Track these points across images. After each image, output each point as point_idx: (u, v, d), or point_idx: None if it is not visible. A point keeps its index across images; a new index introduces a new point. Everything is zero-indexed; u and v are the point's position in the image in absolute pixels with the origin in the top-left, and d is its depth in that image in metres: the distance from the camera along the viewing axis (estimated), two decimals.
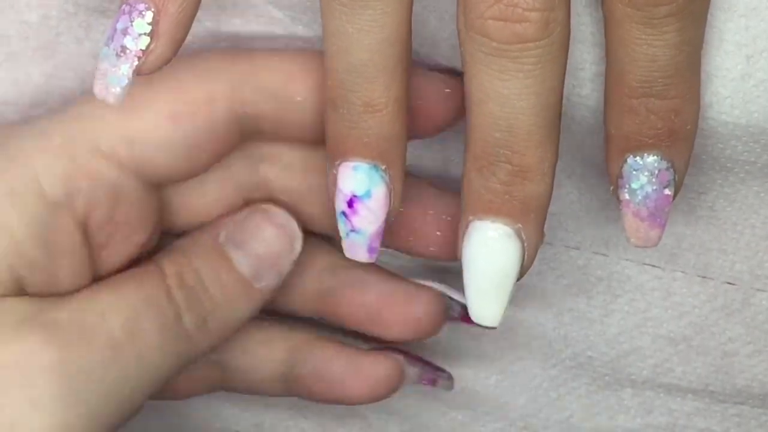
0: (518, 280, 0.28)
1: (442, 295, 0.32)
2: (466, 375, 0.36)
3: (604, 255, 0.34)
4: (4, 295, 0.28)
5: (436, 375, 0.34)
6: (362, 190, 0.27)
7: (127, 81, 0.26)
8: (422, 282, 0.33)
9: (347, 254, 0.28)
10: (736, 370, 0.34)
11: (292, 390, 0.33)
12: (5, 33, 0.31)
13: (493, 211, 0.27)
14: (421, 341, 0.33)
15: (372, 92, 0.26)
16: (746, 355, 0.34)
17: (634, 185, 0.28)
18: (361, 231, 0.27)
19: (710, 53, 0.28)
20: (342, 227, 0.28)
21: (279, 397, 0.37)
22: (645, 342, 0.35)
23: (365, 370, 0.32)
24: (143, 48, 0.25)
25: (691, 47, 0.27)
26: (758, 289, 0.33)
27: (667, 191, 0.28)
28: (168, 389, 0.30)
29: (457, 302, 0.32)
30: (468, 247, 0.27)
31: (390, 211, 0.27)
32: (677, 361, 0.35)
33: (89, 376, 0.27)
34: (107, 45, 0.26)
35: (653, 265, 0.34)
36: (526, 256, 0.27)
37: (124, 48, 0.25)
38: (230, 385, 0.33)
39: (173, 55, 0.26)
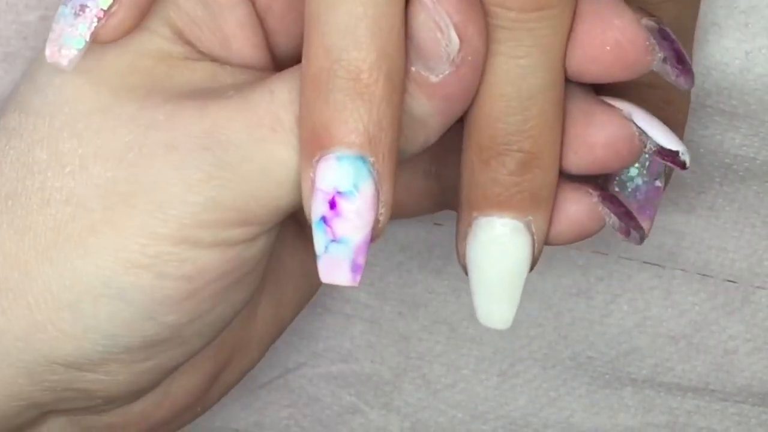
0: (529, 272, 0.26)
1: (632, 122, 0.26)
2: (466, 375, 0.36)
3: (603, 254, 0.34)
4: (178, 57, 0.25)
5: (630, 224, 0.27)
6: (347, 184, 0.22)
7: (84, 43, 0.23)
8: (612, 101, 0.26)
9: (323, 277, 0.23)
10: (736, 368, 0.34)
11: None
12: (4, 33, 0.31)
13: (502, 205, 0.24)
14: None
15: (362, 62, 0.22)
16: (746, 353, 0.34)
17: (623, 177, 0.27)
18: (345, 240, 0.23)
19: (710, 48, 0.29)
20: (320, 240, 0.23)
21: (278, 397, 0.37)
22: (645, 341, 0.35)
23: (561, 208, 0.26)
24: (104, 8, 0.23)
25: None
26: (758, 287, 0.34)
27: (657, 183, 0.27)
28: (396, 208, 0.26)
29: (648, 136, 0.26)
30: (473, 245, 0.25)
31: (376, 219, 0.23)
32: (677, 359, 0.35)
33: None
34: (65, 4, 0.23)
35: (653, 264, 0.34)
36: (536, 248, 0.25)
37: (83, 6, 0.23)
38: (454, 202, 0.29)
39: (137, 23, 0.23)
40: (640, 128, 0.25)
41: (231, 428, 0.37)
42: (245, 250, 0.24)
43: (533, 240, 0.25)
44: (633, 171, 0.27)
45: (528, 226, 0.25)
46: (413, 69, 0.23)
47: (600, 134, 0.25)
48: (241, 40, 0.26)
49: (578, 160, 0.25)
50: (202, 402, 0.30)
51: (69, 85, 0.25)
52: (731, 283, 0.34)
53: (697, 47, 0.29)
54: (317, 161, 0.23)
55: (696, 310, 0.34)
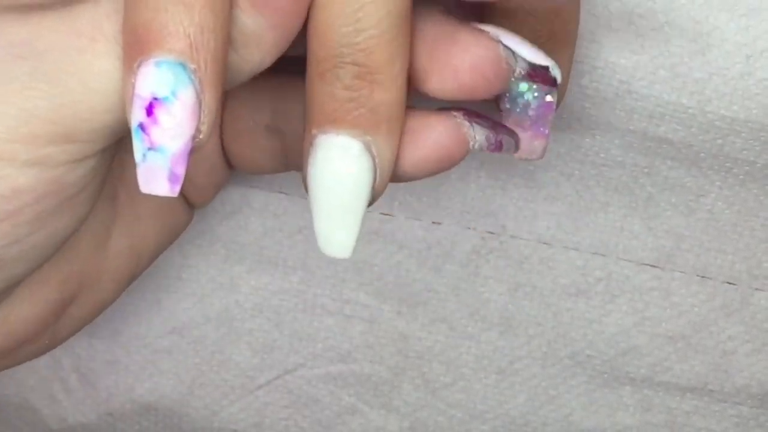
0: (371, 203, 0.25)
1: (502, 44, 0.25)
2: (465, 373, 0.36)
3: (602, 255, 0.34)
4: None
5: (502, 136, 0.26)
6: (165, 90, 0.22)
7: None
8: (479, 25, 0.25)
9: (142, 187, 0.22)
10: (734, 368, 0.34)
11: None
12: None
13: (337, 122, 0.23)
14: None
15: None
16: (745, 354, 0.34)
17: (513, 92, 0.26)
18: (162, 148, 0.22)
19: (711, 52, 0.28)
20: (138, 147, 0.22)
21: (277, 397, 0.37)
22: (643, 340, 0.35)
23: (422, 132, 0.25)
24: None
25: None
26: (757, 289, 0.34)
27: (548, 98, 0.26)
28: (240, 162, 0.26)
29: (522, 58, 0.25)
30: (312, 165, 0.24)
31: (197, 129, 0.22)
32: (676, 359, 0.35)
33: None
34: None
35: (652, 266, 0.34)
36: (378, 175, 0.24)
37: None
38: (296, 163, 0.29)
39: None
40: (508, 49, 0.24)
41: (230, 429, 0.37)
42: (69, 172, 0.24)
43: (374, 163, 0.24)
44: (523, 86, 0.26)
45: (368, 147, 0.24)
46: None
47: (465, 56, 0.24)
48: None
49: (443, 84, 0.24)
50: (50, 335, 0.28)
51: None
52: (730, 285, 0.34)
53: (698, 52, 0.29)
54: (137, 66, 0.22)
55: (695, 311, 0.34)
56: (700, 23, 0.28)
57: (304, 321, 0.36)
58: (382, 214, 0.34)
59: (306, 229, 0.35)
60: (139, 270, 0.31)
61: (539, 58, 0.24)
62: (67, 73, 0.22)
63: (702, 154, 0.30)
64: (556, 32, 0.25)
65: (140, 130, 0.22)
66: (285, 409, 0.37)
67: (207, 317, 0.36)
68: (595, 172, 0.32)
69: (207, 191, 0.32)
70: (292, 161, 0.29)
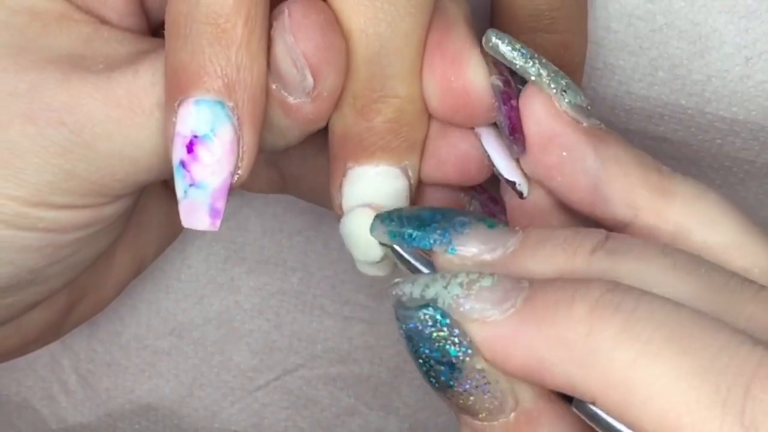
0: None
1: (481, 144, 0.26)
2: None
3: None
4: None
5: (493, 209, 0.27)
6: (205, 128, 0.22)
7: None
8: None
9: (184, 222, 0.23)
10: None
11: None
12: None
13: (377, 154, 0.24)
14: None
15: (219, 8, 0.22)
16: None
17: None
18: (202, 184, 0.23)
19: (710, 55, 0.28)
20: (179, 183, 0.23)
21: (277, 398, 0.37)
22: None
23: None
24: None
25: None
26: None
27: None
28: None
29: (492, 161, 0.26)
30: (349, 197, 0.24)
31: (236, 165, 0.23)
32: None
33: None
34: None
35: None
36: (412, 188, 0.25)
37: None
38: (292, 192, 0.30)
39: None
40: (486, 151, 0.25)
41: (230, 430, 0.37)
42: (103, 211, 0.25)
43: (410, 183, 0.25)
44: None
45: (404, 172, 0.25)
46: (273, 86, 0.23)
47: (451, 150, 0.25)
48: None
49: (428, 171, 0.25)
50: (53, 332, 0.30)
51: None
52: None
53: (697, 54, 0.29)
54: (178, 105, 0.23)
55: None
56: (699, 25, 0.28)
57: (303, 322, 0.36)
58: None
59: (306, 230, 0.35)
60: (139, 272, 0.32)
61: (510, 173, 0.25)
62: (104, 142, 0.23)
63: (701, 154, 0.31)
64: (564, 65, 0.26)
65: (181, 167, 0.23)
66: (284, 410, 0.37)
67: (207, 318, 0.36)
68: None
69: None
70: (291, 190, 0.30)
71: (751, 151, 0.30)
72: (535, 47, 0.25)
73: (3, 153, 0.23)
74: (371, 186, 0.24)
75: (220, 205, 0.23)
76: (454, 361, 0.21)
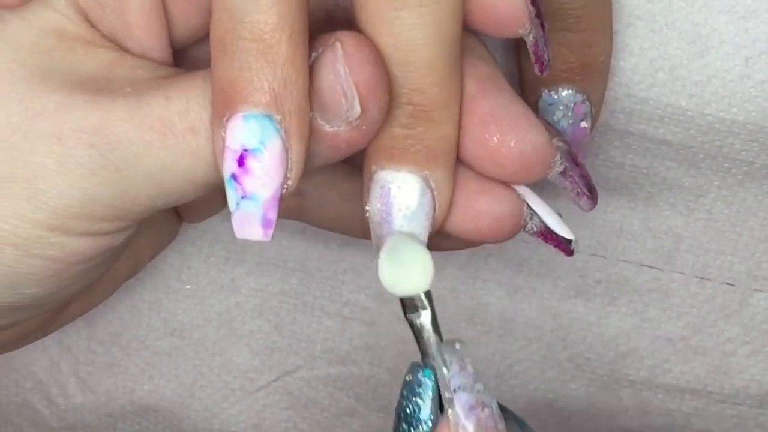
0: (431, 235, 0.25)
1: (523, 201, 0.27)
2: None
3: (602, 257, 0.34)
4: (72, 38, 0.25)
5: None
6: (254, 142, 0.23)
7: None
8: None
9: (237, 233, 0.24)
10: (734, 370, 0.34)
11: None
12: None
13: (396, 158, 0.25)
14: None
15: (264, 24, 0.23)
16: (744, 355, 0.34)
17: (549, 120, 0.27)
18: (254, 196, 0.23)
19: (710, 54, 0.28)
20: (231, 196, 0.24)
21: (277, 399, 0.37)
22: (643, 343, 0.35)
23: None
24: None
25: None
26: (756, 290, 0.34)
27: (583, 124, 0.27)
28: None
29: (539, 217, 0.27)
30: (373, 200, 0.25)
31: (285, 176, 0.24)
32: (675, 361, 0.35)
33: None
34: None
35: (651, 267, 0.34)
36: (437, 206, 0.25)
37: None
38: (309, 219, 0.31)
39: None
40: (532, 211, 0.26)
41: (230, 431, 0.37)
42: (115, 239, 0.25)
43: (433, 196, 0.25)
44: (558, 114, 0.27)
45: (426, 181, 0.25)
46: (310, 114, 0.24)
47: (491, 207, 0.26)
48: (142, 26, 0.26)
49: (461, 224, 0.26)
50: (43, 330, 0.30)
51: None
52: (729, 286, 0.34)
53: (697, 55, 0.29)
54: (227, 120, 0.23)
55: (694, 312, 0.34)
56: (699, 26, 0.28)
57: (303, 323, 0.36)
58: None
59: (306, 231, 0.35)
60: (135, 272, 0.32)
61: (563, 231, 0.26)
62: (133, 166, 0.24)
63: (701, 155, 0.31)
64: (589, 63, 0.26)
65: (233, 180, 0.23)
66: (285, 411, 0.37)
67: (207, 319, 0.36)
68: (594, 173, 0.32)
69: (203, 215, 0.33)
70: (308, 218, 0.31)
71: (750, 152, 0.30)
72: (559, 46, 0.25)
73: (26, 174, 0.24)
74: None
75: (272, 215, 0.24)
76: None
